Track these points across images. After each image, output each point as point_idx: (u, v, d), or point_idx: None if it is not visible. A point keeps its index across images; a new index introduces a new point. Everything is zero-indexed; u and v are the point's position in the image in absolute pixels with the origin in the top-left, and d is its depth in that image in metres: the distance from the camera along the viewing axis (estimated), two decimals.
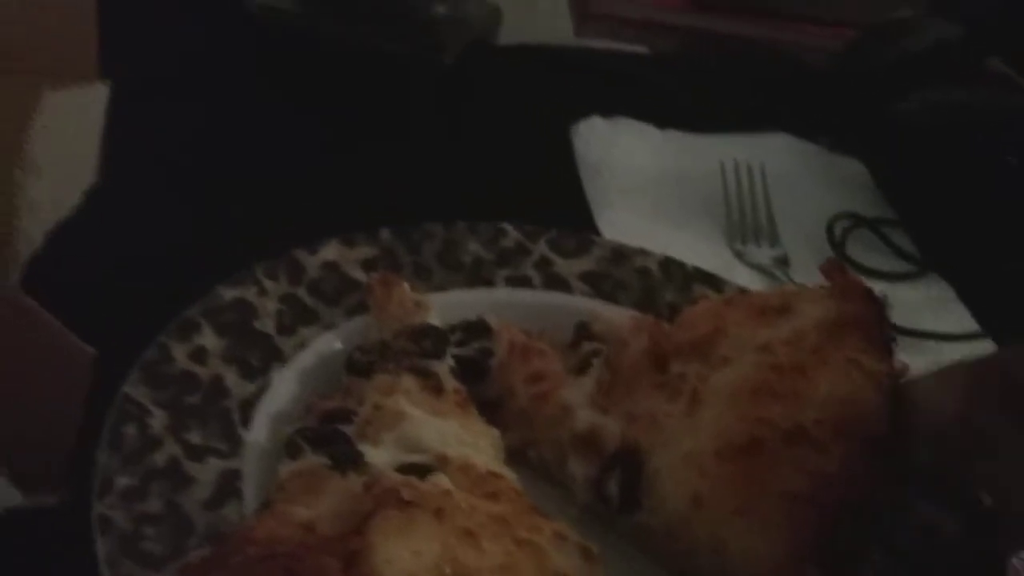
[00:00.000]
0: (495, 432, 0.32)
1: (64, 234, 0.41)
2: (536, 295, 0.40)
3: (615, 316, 0.38)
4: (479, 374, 0.35)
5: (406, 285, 0.37)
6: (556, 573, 0.26)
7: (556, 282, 0.41)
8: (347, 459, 0.29)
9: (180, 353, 0.33)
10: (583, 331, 0.37)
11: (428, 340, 0.34)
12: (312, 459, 0.29)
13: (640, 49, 0.75)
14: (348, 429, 0.31)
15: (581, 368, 0.35)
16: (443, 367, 0.34)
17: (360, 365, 0.34)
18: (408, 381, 0.32)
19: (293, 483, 0.28)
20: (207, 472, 0.30)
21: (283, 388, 0.34)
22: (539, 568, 0.26)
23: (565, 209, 0.52)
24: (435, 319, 0.36)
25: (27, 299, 0.28)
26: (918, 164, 0.56)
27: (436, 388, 0.33)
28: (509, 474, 0.30)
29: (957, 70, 0.58)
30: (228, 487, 0.30)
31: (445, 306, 0.38)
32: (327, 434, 0.30)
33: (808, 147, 0.61)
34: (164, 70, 0.55)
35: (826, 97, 0.65)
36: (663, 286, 0.41)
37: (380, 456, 0.29)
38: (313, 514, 0.27)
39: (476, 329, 0.37)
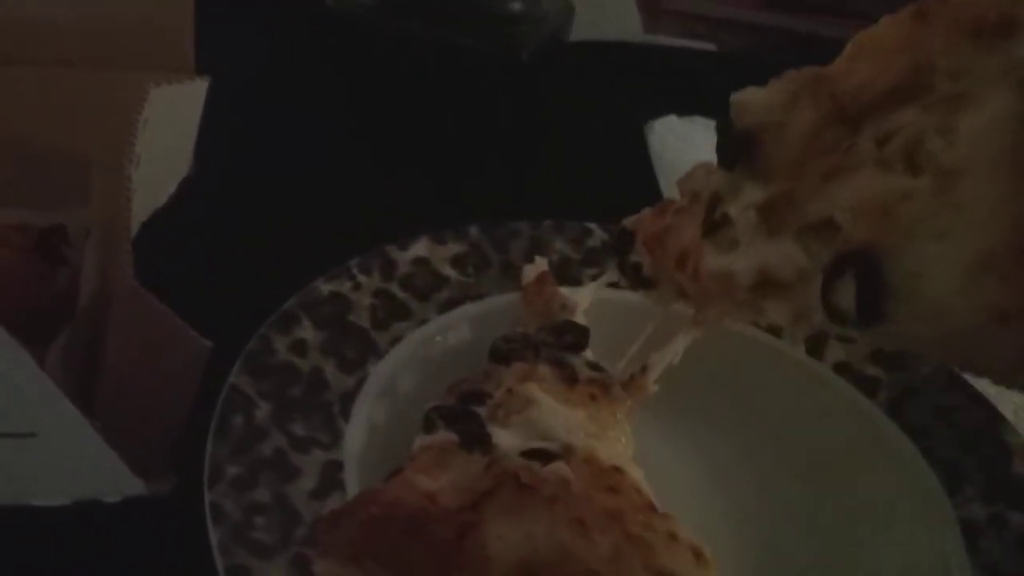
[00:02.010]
0: (626, 427, 0.33)
1: (159, 224, 0.42)
2: (624, 295, 0.40)
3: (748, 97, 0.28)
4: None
5: (558, 287, 0.38)
6: (663, 571, 0.27)
7: (643, 282, 0.41)
8: (475, 439, 0.30)
9: (281, 345, 0.34)
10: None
11: (569, 335, 0.35)
12: (444, 434, 0.30)
13: (709, 47, 0.75)
14: (482, 411, 0.31)
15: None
16: (579, 360, 0.34)
17: (501, 352, 0.34)
18: (544, 370, 0.33)
19: (423, 455, 0.29)
20: (311, 463, 0.31)
21: (379, 382, 0.35)
22: (646, 565, 0.27)
23: (640, 206, 0.52)
24: (580, 318, 0.36)
25: (144, 291, 0.28)
26: None
27: (570, 378, 0.33)
28: (634, 471, 0.30)
29: None
30: (331, 478, 0.31)
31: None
32: (461, 413, 0.31)
33: None
34: (245, 66, 0.56)
35: None
36: None
37: (508, 439, 0.30)
38: (437, 486, 0.27)
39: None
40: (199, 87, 0.41)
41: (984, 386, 0.42)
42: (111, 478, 0.25)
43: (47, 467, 0.26)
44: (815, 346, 0.39)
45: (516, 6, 0.67)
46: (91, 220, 0.37)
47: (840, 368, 0.38)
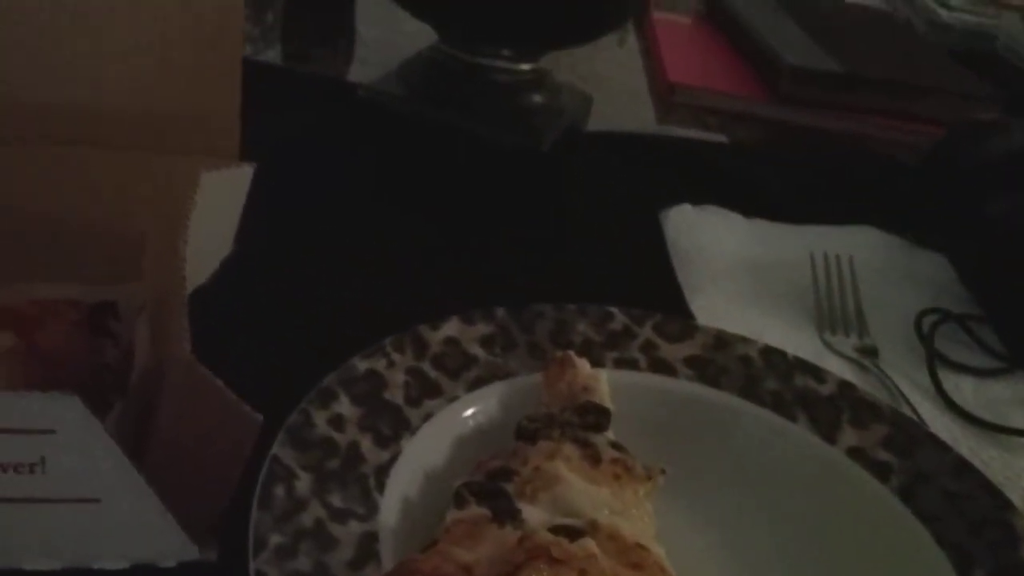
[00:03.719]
0: (648, 506, 0.34)
1: (200, 302, 0.44)
2: (644, 377, 0.42)
3: None
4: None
5: (580, 368, 0.39)
6: None
7: (662, 366, 0.43)
8: (506, 513, 0.31)
9: (321, 419, 0.36)
10: None
11: (591, 416, 0.37)
12: (475, 510, 0.31)
13: (721, 138, 0.78)
14: (510, 487, 0.33)
15: None
16: (602, 439, 0.36)
17: (527, 431, 0.36)
18: (569, 449, 0.35)
19: (457, 528, 0.31)
20: (349, 534, 0.32)
21: (412, 457, 0.36)
22: None
23: (658, 293, 0.54)
24: (603, 399, 0.38)
25: (201, 366, 0.30)
26: (1004, 264, 0.57)
27: (594, 458, 0.35)
28: (656, 548, 0.32)
29: None
30: (368, 549, 0.32)
31: None
32: (490, 489, 0.32)
33: (894, 241, 0.62)
34: (283, 151, 0.59)
35: (912, 193, 0.66)
36: (765, 374, 0.43)
37: (535, 515, 0.31)
38: (472, 558, 0.29)
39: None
40: (245, 173, 0.44)
41: (993, 473, 0.43)
42: (168, 543, 0.27)
43: (107, 531, 0.27)
44: (829, 430, 0.41)
45: (537, 99, 0.70)
46: (143, 296, 0.40)
47: (853, 453, 0.40)
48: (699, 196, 0.64)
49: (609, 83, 0.84)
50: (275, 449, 0.34)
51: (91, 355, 0.39)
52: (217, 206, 0.42)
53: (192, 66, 0.44)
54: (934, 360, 0.51)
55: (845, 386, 0.43)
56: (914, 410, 0.47)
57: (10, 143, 0.41)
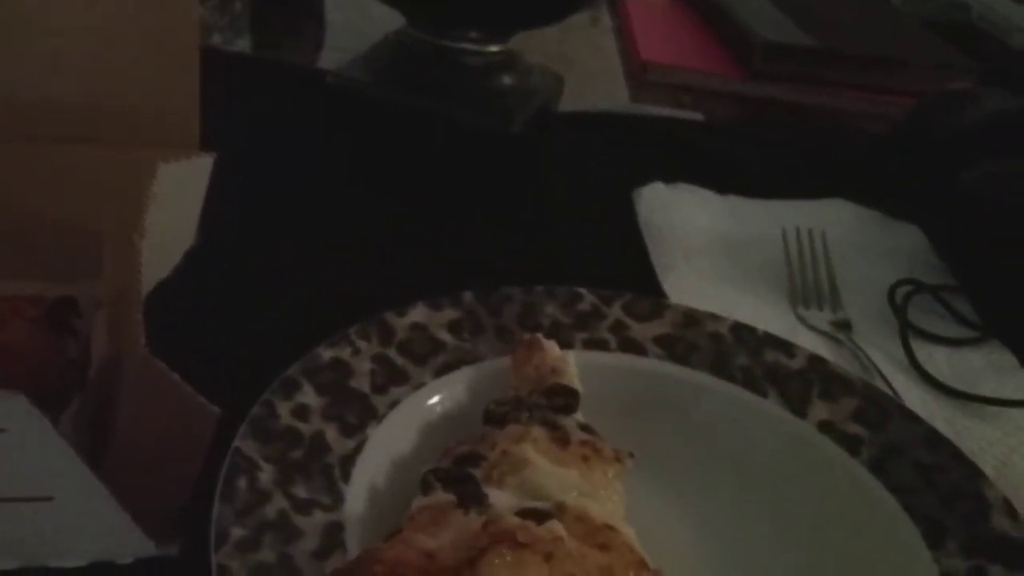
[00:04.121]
0: (618, 487, 0.34)
1: (164, 295, 0.44)
2: (613, 357, 0.42)
3: None
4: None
5: (548, 350, 0.39)
6: None
7: (631, 345, 0.43)
8: (472, 498, 0.31)
9: (284, 410, 0.36)
10: None
11: (560, 398, 0.36)
12: (441, 496, 0.31)
13: (695, 116, 0.78)
14: (477, 472, 0.32)
15: None
16: (571, 421, 0.35)
17: (495, 415, 0.36)
18: (537, 431, 0.34)
19: (422, 515, 0.31)
20: (313, 525, 0.32)
21: (379, 445, 0.36)
22: None
23: (630, 272, 0.54)
24: (571, 380, 0.38)
25: (156, 361, 0.30)
26: (977, 233, 0.57)
27: (563, 440, 0.34)
28: (626, 529, 0.31)
29: (1017, 140, 0.59)
30: (333, 539, 0.32)
31: None
32: (457, 475, 0.32)
33: (867, 214, 0.62)
34: (247, 139, 0.59)
35: (885, 165, 0.66)
36: (735, 350, 0.43)
37: (503, 499, 0.31)
38: (436, 544, 0.28)
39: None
40: (205, 163, 0.43)
41: (967, 443, 0.43)
42: (124, 540, 0.26)
43: (63, 530, 0.27)
44: (799, 405, 0.40)
45: (507, 80, 0.70)
46: (102, 292, 0.39)
47: (823, 427, 0.40)
48: (674, 174, 0.64)
49: (581, 64, 0.84)
50: (237, 441, 0.33)
51: (52, 352, 0.38)
52: (177, 198, 0.42)
53: (148, 57, 0.44)
54: (907, 331, 0.51)
55: (815, 360, 0.43)
56: (888, 383, 0.47)
57: None
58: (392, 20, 0.71)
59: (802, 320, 0.52)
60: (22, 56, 0.42)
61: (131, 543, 0.27)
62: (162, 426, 0.30)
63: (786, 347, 0.43)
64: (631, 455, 0.36)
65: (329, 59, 0.76)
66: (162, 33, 0.43)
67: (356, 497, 0.34)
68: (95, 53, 0.43)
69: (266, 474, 0.33)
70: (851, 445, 0.39)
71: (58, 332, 0.39)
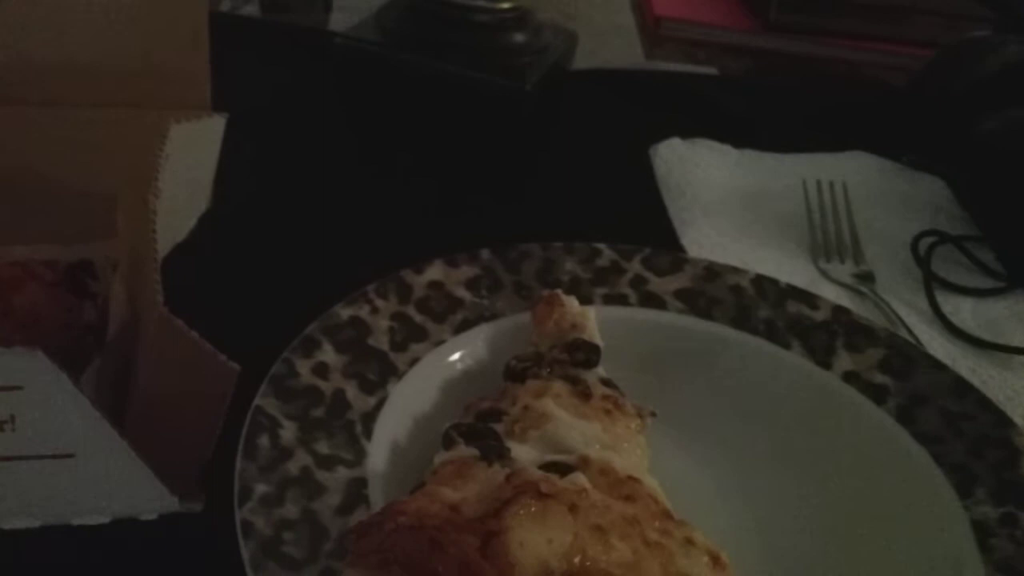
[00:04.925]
0: (641, 439, 0.34)
1: (180, 257, 0.43)
2: (634, 312, 0.42)
3: None
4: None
5: (568, 306, 0.39)
6: (681, 575, 0.27)
7: (651, 300, 0.42)
8: (495, 452, 0.31)
9: (304, 368, 0.35)
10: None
11: (580, 352, 0.36)
12: (464, 450, 0.31)
13: (711, 70, 0.76)
14: (498, 427, 0.32)
15: None
16: (592, 376, 0.35)
17: (516, 371, 0.36)
18: (558, 386, 0.34)
19: (445, 469, 0.30)
20: (336, 480, 0.32)
21: (399, 402, 0.36)
22: (664, 569, 0.27)
23: (648, 229, 0.53)
24: (592, 335, 0.37)
25: (175, 319, 0.30)
26: (1000, 182, 0.56)
27: (585, 394, 0.34)
28: (649, 480, 0.31)
29: None
30: (356, 494, 0.32)
31: None
32: (479, 430, 0.32)
33: (888, 165, 0.61)
34: (258, 101, 0.58)
35: (905, 116, 0.65)
36: (757, 303, 0.42)
37: (525, 453, 0.31)
38: (459, 497, 0.28)
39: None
40: (217, 123, 0.43)
41: (993, 393, 0.43)
42: (147, 496, 0.26)
43: (85, 487, 0.27)
44: (824, 356, 0.40)
45: (519, 37, 0.68)
46: (118, 253, 0.39)
47: (848, 377, 0.39)
48: (690, 130, 0.63)
49: (593, 21, 0.82)
50: (258, 399, 0.33)
51: (69, 314, 0.38)
52: (190, 159, 0.41)
53: (157, 19, 0.43)
54: (931, 283, 0.50)
55: (839, 311, 0.42)
56: (912, 334, 0.46)
57: None
58: None
59: (824, 273, 0.51)
60: (33, 19, 0.41)
61: (154, 499, 0.27)
62: (182, 383, 0.29)
63: (809, 299, 0.43)
64: (653, 414, 0.36)
65: (339, 21, 0.75)
66: None
67: (378, 453, 0.34)
68: (106, 15, 0.42)
69: (288, 431, 0.33)
70: (877, 395, 0.38)
71: (75, 295, 0.38)
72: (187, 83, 0.44)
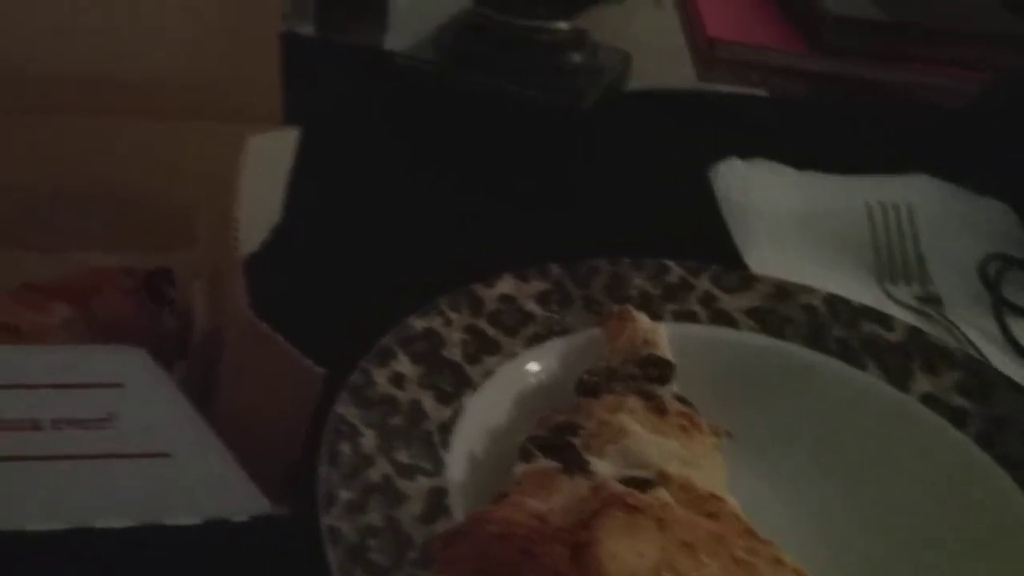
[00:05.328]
0: (718, 457, 0.33)
1: (253, 269, 0.44)
2: (705, 329, 0.41)
3: None
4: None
5: (640, 321, 0.39)
6: None
7: (722, 317, 0.42)
8: (576, 464, 0.30)
9: (381, 378, 0.35)
10: None
11: (654, 368, 0.36)
12: (543, 463, 0.31)
13: (764, 93, 0.76)
14: (576, 441, 0.32)
15: None
16: (667, 391, 0.35)
17: (589, 385, 0.35)
18: (633, 402, 0.34)
19: (528, 480, 0.30)
20: (417, 489, 0.32)
21: (475, 413, 0.36)
22: None
23: (711, 248, 0.53)
24: (664, 352, 0.37)
25: (261, 323, 0.30)
26: None
27: (660, 410, 0.34)
28: (730, 498, 0.31)
29: None
30: (438, 504, 0.31)
31: None
32: (556, 443, 0.32)
33: (951, 189, 0.61)
34: (315, 117, 0.59)
35: (966, 140, 0.64)
36: (830, 323, 0.42)
37: (604, 467, 0.31)
38: (545, 507, 0.28)
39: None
40: (291, 136, 0.43)
41: None
42: (240, 498, 0.26)
43: (180, 486, 0.27)
44: (900, 377, 0.39)
45: (576, 58, 0.69)
46: (198, 262, 0.39)
47: (927, 399, 0.38)
48: (746, 151, 0.62)
49: (646, 43, 0.82)
50: (338, 407, 0.33)
51: (148, 321, 0.38)
52: (265, 170, 0.42)
53: (230, 32, 0.44)
54: (1002, 307, 0.50)
55: (914, 332, 0.41)
56: (983, 358, 0.45)
57: (60, 114, 0.41)
58: (453, 0, 0.71)
59: (890, 296, 0.51)
60: (116, 33, 0.42)
61: (246, 501, 0.27)
62: (268, 387, 0.30)
63: (883, 319, 0.42)
64: (729, 434, 0.35)
65: (393, 40, 0.76)
66: (244, 6, 0.44)
67: (456, 464, 0.34)
68: (185, 30, 0.43)
69: (368, 439, 0.33)
70: (957, 418, 0.38)
71: (154, 302, 0.39)
72: (260, 94, 0.44)
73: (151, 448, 0.26)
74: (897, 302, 0.50)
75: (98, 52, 0.41)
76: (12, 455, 0.25)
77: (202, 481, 0.27)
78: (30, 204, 0.41)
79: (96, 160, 0.41)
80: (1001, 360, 0.47)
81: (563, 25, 0.68)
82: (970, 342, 0.47)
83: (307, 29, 0.79)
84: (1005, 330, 0.48)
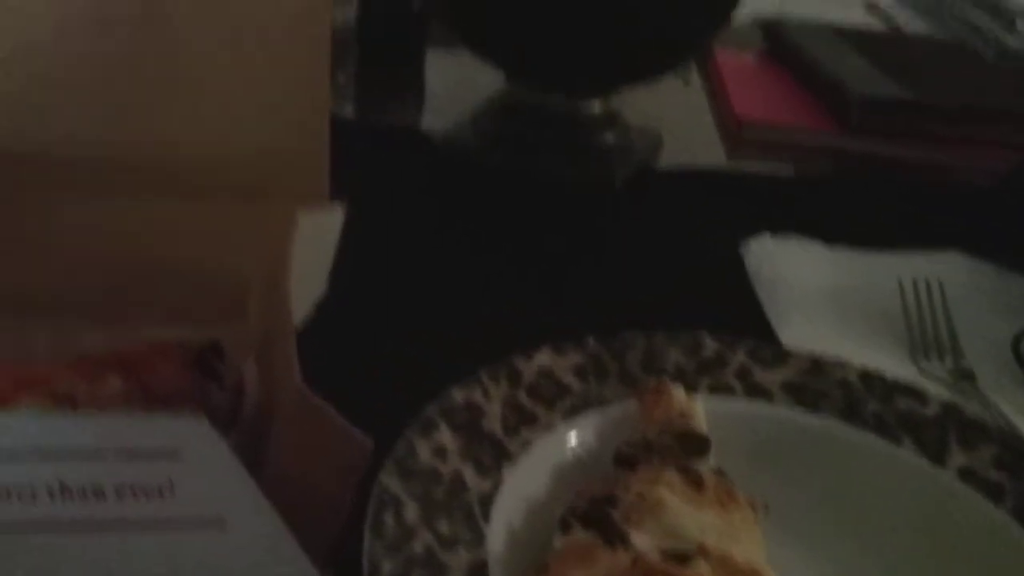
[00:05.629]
0: (757, 532, 0.34)
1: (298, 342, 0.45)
2: (741, 403, 0.42)
3: None
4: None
5: (675, 395, 0.39)
6: None
7: (758, 391, 0.42)
8: (616, 536, 0.31)
9: (424, 449, 0.36)
10: None
11: (691, 442, 0.36)
12: (582, 535, 0.31)
13: (793, 172, 0.78)
14: (615, 513, 0.33)
15: None
16: (704, 465, 0.35)
17: (626, 456, 0.36)
18: (670, 475, 0.34)
19: (568, 552, 0.31)
20: (459, 560, 0.32)
21: (513, 486, 0.36)
22: None
23: (745, 323, 0.54)
24: (700, 425, 0.38)
25: (312, 394, 0.31)
26: None
27: (697, 483, 0.34)
28: (769, 572, 0.31)
29: None
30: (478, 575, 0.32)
31: None
32: (596, 514, 0.32)
33: (982, 266, 0.61)
34: (361, 199, 0.61)
35: (997, 218, 0.65)
36: (866, 397, 0.42)
37: (642, 540, 0.31)
38: None
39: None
40: (337, 213, 0.45)
41: None
42: (291, 567, 0.27)
43: (233, 556, 0.27)
44: (937, 452, 0.39)
45: (608, 138, 0.71)
46: (250, 335, 0.41)
47: (964, 474, 0.39)
48: (776, 229, 0.63)
49: (675, 122, 0.85)
50: (383, 477, 0.34)
51: (199, 396, 0.40)
52: (311, 246, 0.43)
53: (284, 111, 0.46)
54: None
55: (949, 407, 0.42)
56: (1018, 432, 0.45)
57: (121, 197, 0.43)
58: (489, 83, 0.73)
59: (924, 371, 0.51)
60: (171, 114, 0.44)
61: (297, 570, 0.27)
62: (317, 457, 0.31)
63: (918, 394, 0.42)
64: (766, 507, 0.36)
65: (430, 121, 0.78)
66: (296, 82, 0.45)
67: (496, 536, 0.34)
68: (236, 109, 0.45)
69: (411, 511, 0.33)
70: (994, 493, 0.38)
71: (204, 376, 0.40)
72: (309, 175, 0.46)
73: (207, 514, 0.27)
74: (931, 377, 0.50)
75: (163, 135, 0.44)
76: (77, 519, 0.26)
77: (254, 550, 0.27)
78: (91, 280, 0.42)
79: (150, 239, 0.43)
80: None
81: (595, 106, 0.71)
82: (1006, 418, 0.47)
83: (347, 111, 0.82)
84: None
